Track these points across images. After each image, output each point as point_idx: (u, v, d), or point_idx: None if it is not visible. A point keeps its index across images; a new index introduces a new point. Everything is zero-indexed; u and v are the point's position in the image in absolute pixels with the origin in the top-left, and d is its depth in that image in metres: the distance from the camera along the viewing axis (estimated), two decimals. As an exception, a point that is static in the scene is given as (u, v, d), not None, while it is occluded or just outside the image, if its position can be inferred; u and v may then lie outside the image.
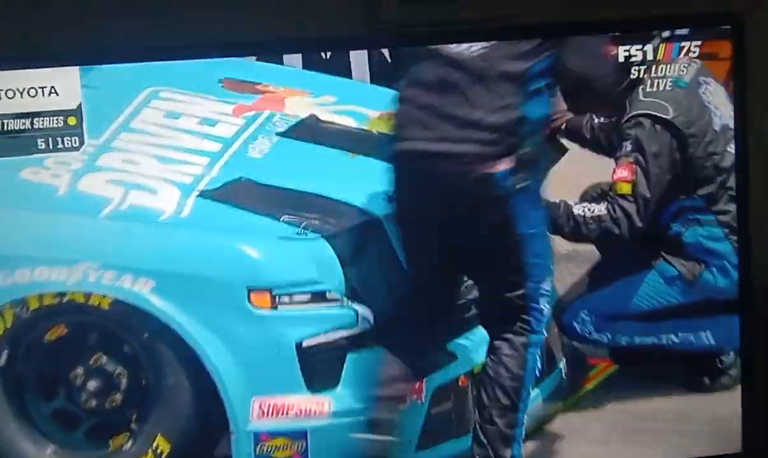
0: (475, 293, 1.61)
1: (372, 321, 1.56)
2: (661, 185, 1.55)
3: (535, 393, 1.62)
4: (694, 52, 1.39)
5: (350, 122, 1.69)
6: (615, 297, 1.66)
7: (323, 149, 1.68)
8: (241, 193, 1.60)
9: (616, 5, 1.32)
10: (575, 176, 1.65)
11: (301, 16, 1.46)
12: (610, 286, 1.67)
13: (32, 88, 1.15)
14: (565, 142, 1.64)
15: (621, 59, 1.39)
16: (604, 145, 1.61)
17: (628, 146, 1.55)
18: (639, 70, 1.42)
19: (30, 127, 1.18)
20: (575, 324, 1.67)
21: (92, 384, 1.49)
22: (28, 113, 1.18)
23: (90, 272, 1.45)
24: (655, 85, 1.41)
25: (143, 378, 1.52)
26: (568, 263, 1.74)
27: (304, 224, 1.55)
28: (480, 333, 1.62)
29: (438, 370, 1.61)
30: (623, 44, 1.36)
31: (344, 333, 1.54)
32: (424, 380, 1.59)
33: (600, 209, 1.58)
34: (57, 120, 1.20)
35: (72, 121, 1.21)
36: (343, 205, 1.60)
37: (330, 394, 1.54)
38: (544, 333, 1.52)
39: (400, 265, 1.59)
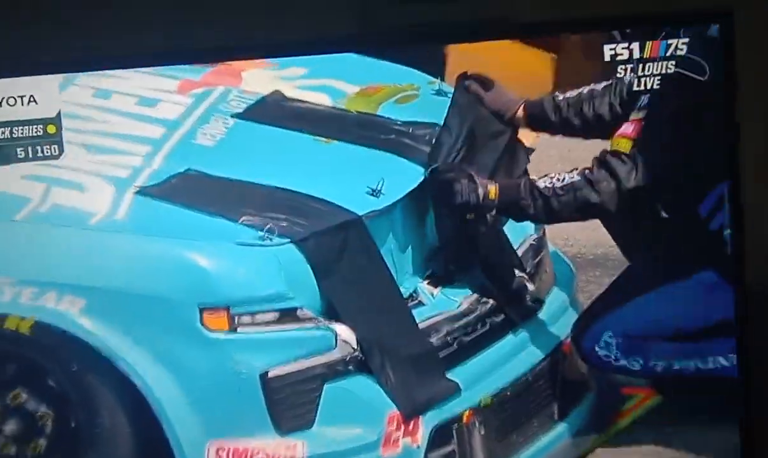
0: (481, 309, 1.68)
1: (354, 344, 1.59)
2: (675, 157, 1.57)
3: (561, 428, 1.68)
4: (681, 50, 1.52)
5: (324, 100, 1.71)
6: (645, 312, 1.66)
7: (290, 134, 1.69)
8: (189, 190, 1.60)
9: (607, 3, 1.47)
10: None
11: (291, 16, 1.58)
12: (639, 299, 1.66)
13: (11, 97, 1.36)
14: (527, 139, 1.71)
15: (607, 58, 1.53)
16: (576, 123, 1.63)
17: (644, 100, 1.58)
18: (625, 69, 1.55)
19: (9, 136, 1.37)
20: (597, 349, 1.67)
21: (9, 427, 1.50)
22: (7, 122, 1.37)
23: (4, 289, 1.46)
24: (642, 83, 1.54)
25: (72, 420, 1.53)
26: (596, 269, 1.79)
27: (268, 226, 1.56)
28: (489, 358, 1.68)
29: (438, 405, 1.63)
30: (609, 43, 1.51)
31: (320, 359, 1.57)
32: (420, 418, 1.62)
33: (572, 176, 1.60)
34: (36, 128, 1.39)
35: (51, 129, 1.40)
36: (316, 202, 1.61)
37: (303, 436, 1.56)
38: None
39: (388, 274, 1.64)
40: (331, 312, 1.60)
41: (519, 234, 1.78)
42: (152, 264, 1.54)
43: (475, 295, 1.72)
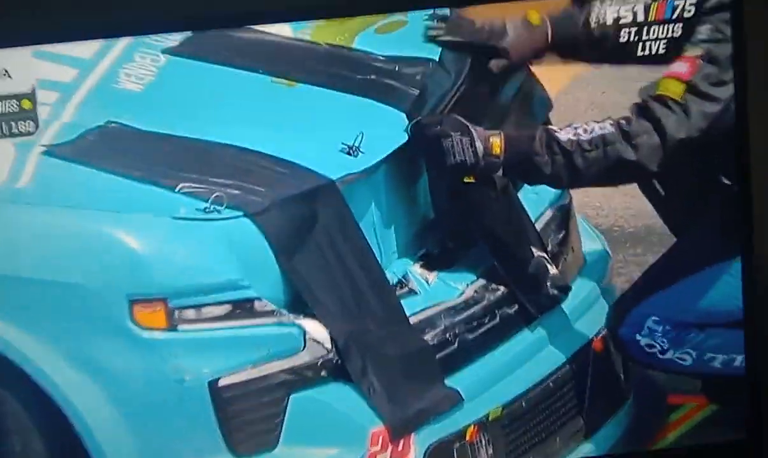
0: (489, 298, 1.71)
1: (328, 344, 1.62)
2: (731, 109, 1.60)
3: (589, 446, 1.70)
4: (689, 11, 1.63)
5: (284, 29, 1.71)
6: (700, 294, 1.69)
7: (241, 74, 1.69)
8: (111, 148, 1.61)
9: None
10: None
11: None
12: (692, 278, 1.70)
13: None
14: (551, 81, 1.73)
15: (609, 21, 1.64)
16: (610, 45, 1.64)
17: (701, 33, 1.62)
18: (629, 33, 1.64)
19: None
20: (639, 337, 1.71)
21: None
22: None
23: None
24: (647, 48, 1.64)
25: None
26: (636, 246, 1.80)
27: (215, 196, 1.58)
28: (499, 359, 1.69)
29: (434, 419, 1.65)
30: (611, 5, 1.63)
31: (285, 363, 1.60)
32: (412, 435, 1.64)
33: (603, 126, 1.61)
34: (11, 104, 1.57)
35: (26, 104, 1.57)
36: (276, 163, 1.62)
37: (265, 460, 1.57)
38: None
39: (370, 256, 1.64)
40: (298, 304, 1.62)
41: (538, 202, 1.78)
42: (66, 244, 1.56)
43: (482, 281, 1.73)
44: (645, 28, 1.66)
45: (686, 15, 1.65)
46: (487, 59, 1.70)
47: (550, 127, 1.68)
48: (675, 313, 1.71)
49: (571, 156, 1.63)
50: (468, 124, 1.66)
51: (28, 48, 1.59)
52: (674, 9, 1.66)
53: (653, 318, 1.71)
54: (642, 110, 1.62)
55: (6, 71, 1.55)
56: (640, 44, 1.66)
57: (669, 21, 1.66)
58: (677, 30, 1.66)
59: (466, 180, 1.67)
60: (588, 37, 1.66)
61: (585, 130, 1.63)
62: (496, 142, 1.65)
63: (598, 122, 1.65)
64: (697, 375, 1.74)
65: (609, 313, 1.74)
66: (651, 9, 1.66)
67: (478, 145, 1.65)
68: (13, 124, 1.58)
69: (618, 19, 1.65)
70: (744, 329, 1.71)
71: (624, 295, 1.74)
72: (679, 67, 1.62)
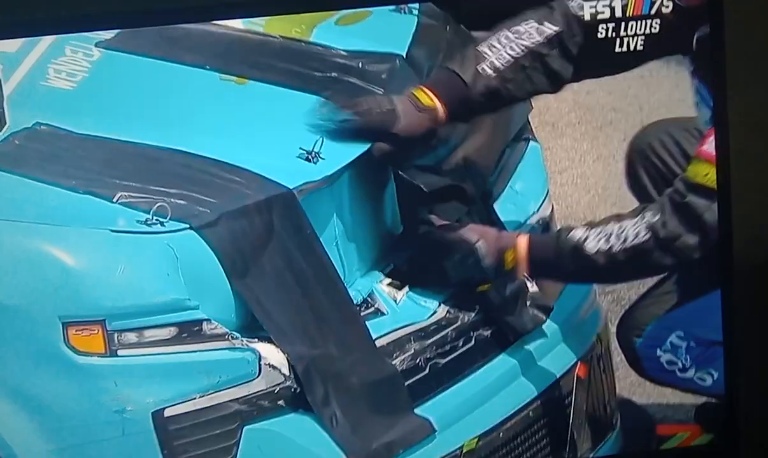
0: (463, 319, 1.66)
1: (285, 370, 1.58)
2: None
3: None
4: (667, 7, 1.65)
5: (232, 21, 1.67)
6: None
7: (187, 70, 1.66)
8: (40, 154, 1.57)
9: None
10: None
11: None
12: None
13: None
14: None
15: (587, 17, 1.64)
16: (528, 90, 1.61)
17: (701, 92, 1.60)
18: (607, 29, 1.65)
19: None
20: (660, 353, 1.67)
21: None
22: None
23: None
24: (626, 44, 1.65)
25: None
26: None
27: (157, 206, 1.55)
28: (474, 386, 1.65)
29: (404, 452, 1.61)
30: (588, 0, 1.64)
31: (237, 392, 1.56)
32: None
33: (637, 231, 1.53)
34: None
35: None
36: (226, 170, 1.58)
37: (214, 502, 1.52)
38: None
39: (331, 272, 1.60)
40: (252, 326, 1.58)
41: (516, 213, 1.74)
42: None
43: (455, 300, 1.68)
44: (623, 24, 1.66)
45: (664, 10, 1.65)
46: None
47: (571, 232, 1.60)
48: (702, 329, 1.67)
49: (600, 267, 1.57)
50: (476, 234, 1.62)
51: None
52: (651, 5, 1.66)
53: (678, 332, 1.67)
54: (679, 208, 1.55)
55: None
56: (618, 41, 1.66)
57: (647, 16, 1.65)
58: (656, 26, 1.66)
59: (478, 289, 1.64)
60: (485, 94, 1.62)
61: (618, 238, 1.56)
62: (509, 257, 1.60)
63: (631, 219, 1.57)
64: (714, 396, 1.70)
65: (621, 324, 1.70)
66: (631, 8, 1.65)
67: (487, 262, 1.60)
68: None
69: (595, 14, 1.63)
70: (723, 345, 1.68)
71: (641, 306, 1.70)
72: (707, 146, 1.58)
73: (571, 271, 1.59)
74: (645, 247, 1.55)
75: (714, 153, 1.59)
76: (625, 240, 1.56)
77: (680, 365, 1.67)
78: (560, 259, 1.59)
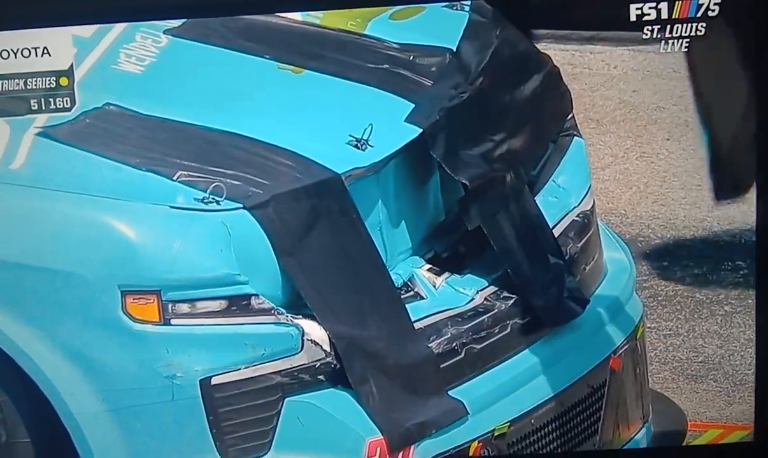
0: (500, 306, 1.75)
1: (326, 347, 1.67)
2: None
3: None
4: (713, 10, 1.72)
5: (293, 13, 1.78)
6: None
7: (247, 59, 1.75)
8: (108, 132, 1.67)
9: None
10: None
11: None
12: None
13: (26, 48, 1.72)
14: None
15: (633, 18, 1.73)
16: None
17: None
18: (652, 31, 1.73)
19: (23, 88, 1.72)
20: None
21: None
22: (21, 73, 1.72)
23: None
24: (670, 46, 1.73)
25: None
26: (663, 258, 1.85)
27: (214, 186, 1.64)
28: (508, 372, 1.73)
29: (436, 433, 1.69)
30: (635, 1, 1.72)
31: (280, 365, 1.65)
32: (411, 448, 1.69)
33: None
34: (50, 80, 1.73)
35: (64, 81, 1.73)
36: (279, 153, 1.67)
37: (255, 467, 1.50)
38: None
39: (375, 256, 1.68)
40: (297, 303, 1.66)
41: (558, 206, 1.82)
42: (58, 229, 1.62)
43: (493, 288, 1.77)
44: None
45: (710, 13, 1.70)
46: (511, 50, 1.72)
47: None
48: None
49: None
50: None
51: (68, 28, 1.73)
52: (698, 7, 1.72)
53: None
54: None
55: (46, 49, 1.72)
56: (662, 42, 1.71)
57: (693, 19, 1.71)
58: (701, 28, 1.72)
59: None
60: None
61: None
62: None
63: None
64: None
65: None
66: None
67: None
68: (51, 99, 1.72)
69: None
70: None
71: None
72: None
73: None
74: None
75: None
76: None
77: None
78: None
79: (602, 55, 1.86)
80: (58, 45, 1.73)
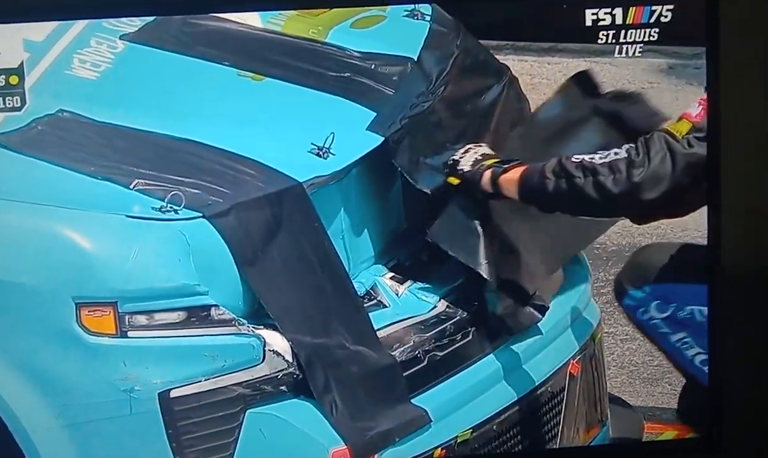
0: (462, 314, 1.71)
1: (288, 357, 1.62)
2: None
3: None
4: (666, 17, 1.73)
5: (253, 19, 1.72)
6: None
7: (205, 65, 1.70)
8: (62, 140, 1.61)
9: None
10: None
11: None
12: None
13: None
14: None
15: (588, 23, 1.73)
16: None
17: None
18: (607, 36, 1.73)
19: None
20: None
21: None
22: None
23: None
24: (624, 51, 1.74)
25: None
26: (618, 265, 1.81)
27: (172, 194, 1.58)
28: (470, 379, 1.70)
29: (400, 441, 1.65)
30: (590, 7, 1.72)
31: (241, 376, 1.59)
32: (375, 457, 1.65)
33: (618, 151, 1.66)
34: None
35: (14, 80, 1.63)
36: (239, 161, 1.62)
37: (216, 480, 1.55)
38: None
39: (337, 264, 1.65)
40: (258, 313, 1.62)
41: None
42: (10, 239, 1.55)
43: (455, 295, 1.73)
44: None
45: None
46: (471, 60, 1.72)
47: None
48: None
49: (580, 184, 1.66)
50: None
51: (18, 25, 1.63)
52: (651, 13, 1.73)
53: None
54: (653, 141, 1.68)
55: (-6, 47, 1.58)
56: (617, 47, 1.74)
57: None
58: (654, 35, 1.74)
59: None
60: None
61: (600, 157, 1.67)
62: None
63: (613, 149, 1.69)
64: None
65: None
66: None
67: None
68: (0, 98, 1.62)
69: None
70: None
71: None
72: (692, 109, 1.69)
73: (556, 187, 1.67)
74: (619, 165, 1.66)
75: (689, 111, 1.69)
76: (605, 157, 1.67)
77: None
78: (545, 172, 1.68)
79: (560, 66, 1.85)
80: (7, 42, 1.65)
